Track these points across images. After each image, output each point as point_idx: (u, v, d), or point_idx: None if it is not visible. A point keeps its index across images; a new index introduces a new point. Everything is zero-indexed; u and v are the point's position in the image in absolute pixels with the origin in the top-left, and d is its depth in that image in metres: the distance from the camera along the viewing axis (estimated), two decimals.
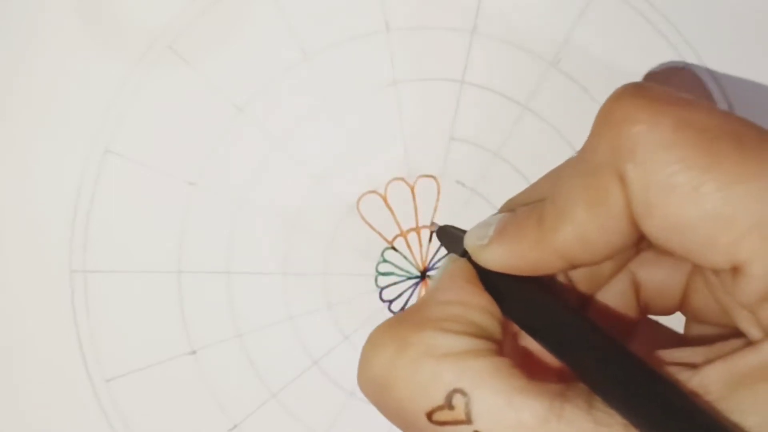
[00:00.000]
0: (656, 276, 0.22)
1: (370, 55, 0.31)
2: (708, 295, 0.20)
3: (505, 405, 0.17)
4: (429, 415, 0.18)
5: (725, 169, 0.17)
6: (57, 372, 0.30)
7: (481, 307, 0.20)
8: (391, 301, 0.31)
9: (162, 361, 0.30)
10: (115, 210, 0.31)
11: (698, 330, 0.22)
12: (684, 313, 0.22)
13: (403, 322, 0.19)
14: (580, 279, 0.22)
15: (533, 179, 0.31)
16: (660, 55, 0.31)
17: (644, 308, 0.22)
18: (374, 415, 0.31)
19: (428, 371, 0.18)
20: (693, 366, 0.17)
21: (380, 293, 0.31)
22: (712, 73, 0.31)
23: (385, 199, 0.31)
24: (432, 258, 0.31)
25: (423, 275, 0.31)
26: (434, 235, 0.30)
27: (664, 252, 0.21)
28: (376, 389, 0.19)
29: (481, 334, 0.19)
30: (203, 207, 0.31)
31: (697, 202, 0.17)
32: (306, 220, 0.31)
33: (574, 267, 0.20)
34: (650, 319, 0.23)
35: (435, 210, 0.31)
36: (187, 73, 0.31)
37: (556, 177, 0.20)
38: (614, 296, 0.22)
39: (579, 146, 0.31)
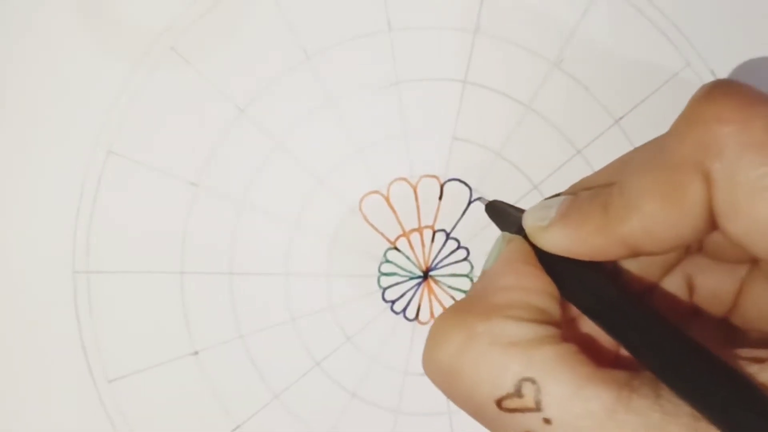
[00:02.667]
0: (711, 280, 0.22)
1: (372, 54, 0.31)
2: (761, 301, 0.20)
3: (573, 394, 0.17)
4: (498, 403, 0.18)
5: None
6: (60, 373, 0.30)
7: (542, 291, 0.20)
8: (393, 302, 0.31)
9: (164, 362, 0.30)
10: (117, 211, 0.31)
11: (748, 336, 0.21)
12: (733, 319, 0.22)
13: (469, 310, 0.19)
14: (633, 273, 0.22)
15: (536, 179, 0.31)
16: (662, 55, 0.31)
17: (694, 312, 0.22)
18: (377, 417, 0.31)
19: (497, 360, 0.18)
20: (759, 361, 0.17)
21: (383, 294, 0.31)
22: (715, 74, 0.31)
23: (387, 200, 0.31)
24: (435, 258, 0.31)
25: (425, 275, 0.31)
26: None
27: (719, 258, 0.21)
28: (444, 377, 0.19)
29: (545, 319, 0.19)
30: (205, 208, 0.31)
31: None
32: (308, 220, 0.31)
33: (635, 255, 0.19)
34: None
35: (437, 210, 0.31)
36: (189, 73, 0.31)
37: (623, 166, 0.20)
38: (667, 295, 0.22)
39: (581, 146, 0.31)
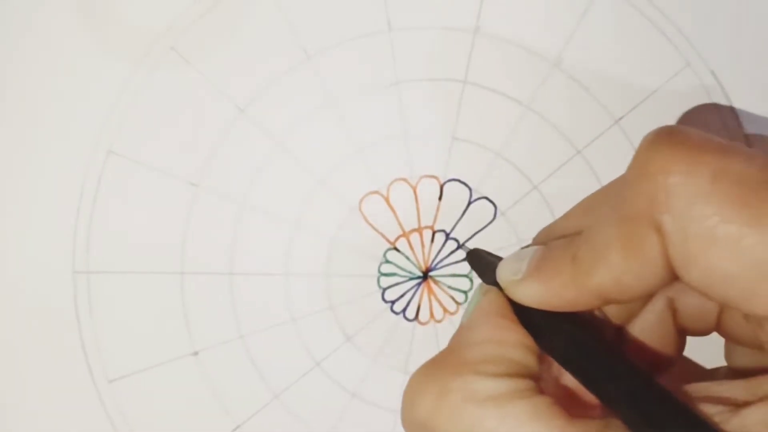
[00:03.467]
0: (691, 301, 0.22)
1: (372, 55, 0.31)
2: (741, 319, 0.20)
3: None
4: None
5: (766, 220, 0.16)
6: (60, 373, 0.30)
7: (518, 343, 0.20)
8: (393, 302, 0.31)
9: (165, 362, 0.30)
10: (117, 211, 0.31)
11: (739, 356, 0.22)
12: (721, 335, 0.22)
13: (442, 366, 0.20)
14: (614, 311, 0.22)
15: (536, 179, 0.31)
16: (662, 56, 0.31)
17: (681, 330, 0.22)
18: (377, 417, 0.31)
19: (470, 417, 0.18)
20: (733, 404, 0.17)
21: (382, 294, 0.31)
22: (715, 74, 0.31)
23: (387, 200, 0.31)
24: (434, 258, 0.31)
25: (425, 275, 0.31)
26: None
27: None
28: None
29: (521, 372, 0.19)
30: (205, 208, 0.31)
31: (738, 255, 0.17)
32: (308, 220, 0.31)
33: (607, 304, 0.20)
34: (686, 358, 0.23)
35: (437, 210, 0.31)
36: (189, 73, 0.31)
37: (589, 211, 0.20)
38: (651, 321, 0.22)
39: (581, 146, 0.31)
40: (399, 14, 0.31)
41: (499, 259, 0.22)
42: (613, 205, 0.19)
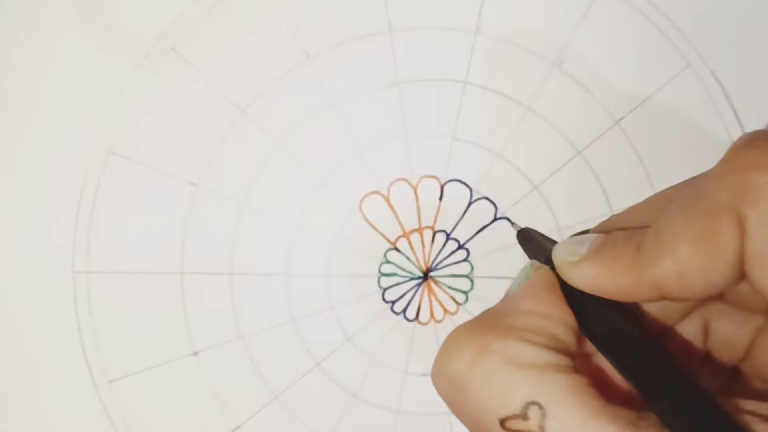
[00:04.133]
0: (726, 327, 0.22)
1: (372, 55, 0.31)
2: None
3: (580, 425, 0.17)
4: (502, 422, 0.18)
5: None
6: (60, 373, 0.30)
7: (562, 321, 0.20)
8: (393, 302, 0.31)
9: (165, 363, 0.30)
10: (117, 211, 0.31)
11: (757, 386, 0.22)
12: (744, 369, 0.22)
13: (486, 326, 0.19)
14: (652, 315, 0.22)
15: (536, 180, 0.31)
16: (662, 56, 0.31)
17: (706, 357, 0.22)
18: (377, 417, 0.31)
19: (507, 380, 0.18)
20: (767, 419, 0.17)
21: (383, 294, 0.31)
22: (715, 74, 0.31)
23: (387, 200, 0.31)
24: (435, 258, 0.31)
25: (425, 276, 0.31)
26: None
27: (737, 305, 0.21)
28: (451, 388, 0.19)
29: (561, 348, 0.19)
30: (206, 208, 0.31)
31: None
32: (309, 220, 0.31)
33: (661, 299, 0.19)
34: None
35: (438, 211, 0.31)
36: (189, 74, 0.31)
37: (659, 206, 0.20)
38: (682, 338, 0.22)
39: (581, 146, 0.31)
40: (399, 14, 0.31)
41: (552, 242, 0.22)
42: (687, 200, 0.19)
